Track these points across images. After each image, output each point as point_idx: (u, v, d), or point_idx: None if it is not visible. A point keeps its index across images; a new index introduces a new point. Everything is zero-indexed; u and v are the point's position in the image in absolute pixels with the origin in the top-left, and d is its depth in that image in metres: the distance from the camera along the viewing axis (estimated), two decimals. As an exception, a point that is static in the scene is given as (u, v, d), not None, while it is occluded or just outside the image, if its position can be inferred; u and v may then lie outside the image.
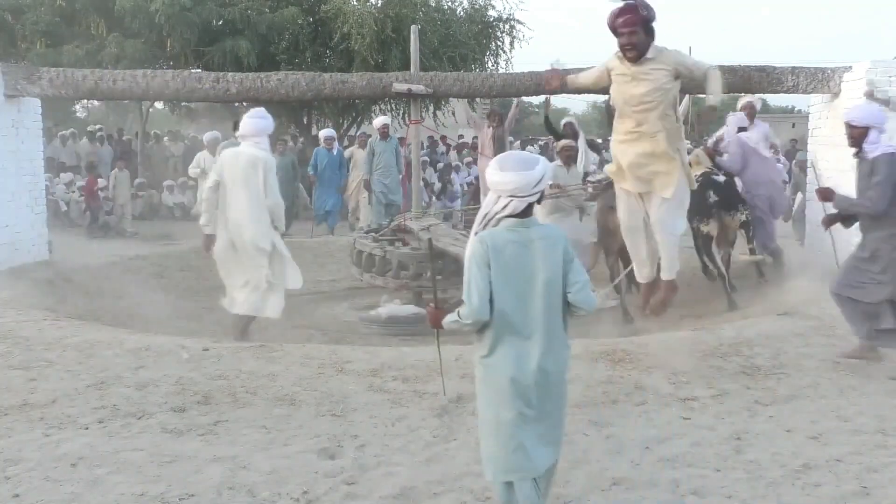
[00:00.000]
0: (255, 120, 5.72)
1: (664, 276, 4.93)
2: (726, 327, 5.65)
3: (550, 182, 2.63)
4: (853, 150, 4.65)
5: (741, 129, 7.78)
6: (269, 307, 5.84)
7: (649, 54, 4.35)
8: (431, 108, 14.89)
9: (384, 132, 10.91)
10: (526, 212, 2.53)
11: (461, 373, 4.57)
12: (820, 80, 7.54)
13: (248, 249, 5.70)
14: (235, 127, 7.40)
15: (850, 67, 7.40)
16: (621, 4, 4.30)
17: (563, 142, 7.99)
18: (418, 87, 7.39)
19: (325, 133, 12.20)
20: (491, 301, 2.47)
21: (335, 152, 11.81)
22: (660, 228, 4.81)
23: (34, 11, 14.12)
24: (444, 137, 16.43)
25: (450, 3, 15.35)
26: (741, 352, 5.05)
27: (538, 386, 2.48)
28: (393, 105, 15.32)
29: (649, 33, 4.31)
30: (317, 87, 7.67)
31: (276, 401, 4.14)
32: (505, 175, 2.49)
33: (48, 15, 14.06)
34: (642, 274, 5.11)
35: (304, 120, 15.92)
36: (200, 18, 13.46)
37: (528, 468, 2.50)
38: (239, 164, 5.69)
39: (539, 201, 2.58)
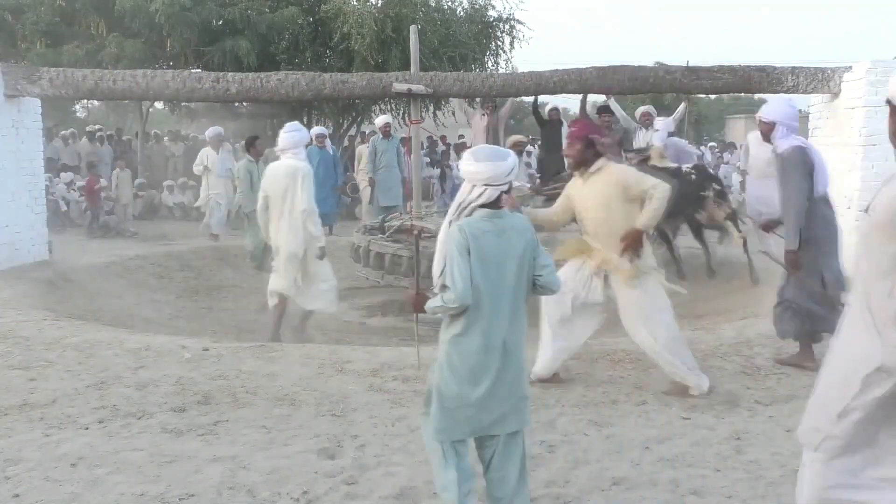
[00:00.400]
0: (291, 134, 6.15)
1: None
2: (726, 327, 5.66)
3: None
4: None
5: (671, 134, 8.61)
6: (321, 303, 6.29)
7: (592, 168, 4.32)
8: (431, 109, 14.89)
9: (386, 131, 10.89)
10: (497, 202, 2.70)
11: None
12: (820, 80, 7.54)
13: (283, 254, 6.07)
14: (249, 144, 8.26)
15: (850, 67, 7.40)
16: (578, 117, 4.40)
17: (514, 137, 8.10)
18: (418, 87, 7.39)
19: (316, 131, 11.80)
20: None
21: (329, 150, 11.46)
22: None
23: (34, 11, 14.11)
24: (443, 137, 16.42)
25: (450, 3, 15.34)
26: (741, 352, 5.06)
27: (501, 360, 2.68)
28: (393, 105, 15.31)
29: (590, 148, 4.29)
30: (317, 87, 7.67)
31: (276, 401, 4.14)
32: (480, 165, 2.67)
33: (48, 15, 14.05)
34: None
35: (304, 120, 15.92)
36: (200, 18, 13.44)
37: (465, 430, 2.73)
38: (279, 176, 6.07)
39: (508, 191, 2.75)
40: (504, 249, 2.66)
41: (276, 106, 13.86)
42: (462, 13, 15.36)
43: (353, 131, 16.60)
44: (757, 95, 8.50)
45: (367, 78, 7.86)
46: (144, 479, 3.19)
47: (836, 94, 7.57)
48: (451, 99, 12.35)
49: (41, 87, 7.69)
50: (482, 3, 15.56)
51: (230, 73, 8.06)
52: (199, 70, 13.20)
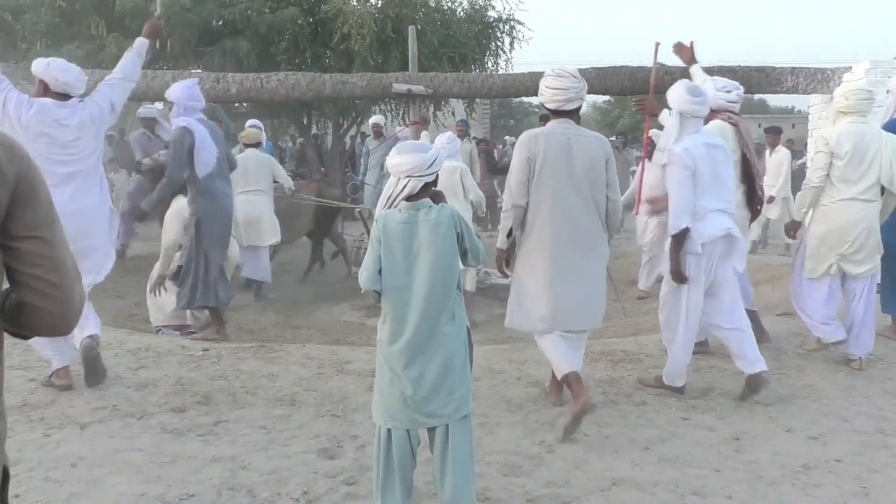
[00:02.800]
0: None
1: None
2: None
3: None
4: None
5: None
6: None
7: None
8: (431, 109, 14.89)
9: (378, 131, 10.71)
10: (421, 194, 2.81)
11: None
12: (820, 80, 7.55)
13: None
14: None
15: (850, 67, 7.40)
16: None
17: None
18: (418, 88, 7.39)
19: (250, 124, 10.99)
20: (382, 275, 2.79)
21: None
22: None
23: (34, 12, 14.11)
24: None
25: (450, 4, 15.33)
26: (741, 352, 5.05)
27: (421, 347, 2.77)
28: (393, 105, 15.31)
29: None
30: (317, 88, 7.67)
31: (276, 401, 4.14)
32: (403, 157, 2.79)
33: (48, 15, 14.05)
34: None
35: (305, 120, 15.92)
36: (200, 18, 13.44)
37: (401, 420, 2.79)
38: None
39: (434, 183, 2.87)
40: (416, 240, 2.77)
41: (276, 106, 13.86)
42: (462, 14, 15.35)
43: (353, 132, 16.61)
44: (756, 96, 8.49)
45: (367, 78, 7.86)
46: (144, 479, 3.19)
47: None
48: (450, 99, 12.35)
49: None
50: (482, 4, 15.55)
51: (230, 74, 8.07)
52: (199, 70, 13.20)
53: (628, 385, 4.42)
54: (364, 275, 2.79)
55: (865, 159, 4.80)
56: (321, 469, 3.32)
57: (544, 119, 8.78)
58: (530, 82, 7.65)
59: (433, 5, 14.81)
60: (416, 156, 2.78)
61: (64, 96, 4.34)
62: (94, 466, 3.30)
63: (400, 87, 7.46)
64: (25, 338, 1.51)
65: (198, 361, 4.79)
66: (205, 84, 7.63)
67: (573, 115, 3.98)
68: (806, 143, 9.14)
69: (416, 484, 3.15)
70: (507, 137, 20.31)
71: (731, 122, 4.71)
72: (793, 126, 26.50)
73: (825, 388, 4.43)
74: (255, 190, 7.55)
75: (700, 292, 4.23)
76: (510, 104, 30.00)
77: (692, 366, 4.66)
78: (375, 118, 11.23)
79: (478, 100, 13.40)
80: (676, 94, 4.24)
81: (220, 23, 14.30)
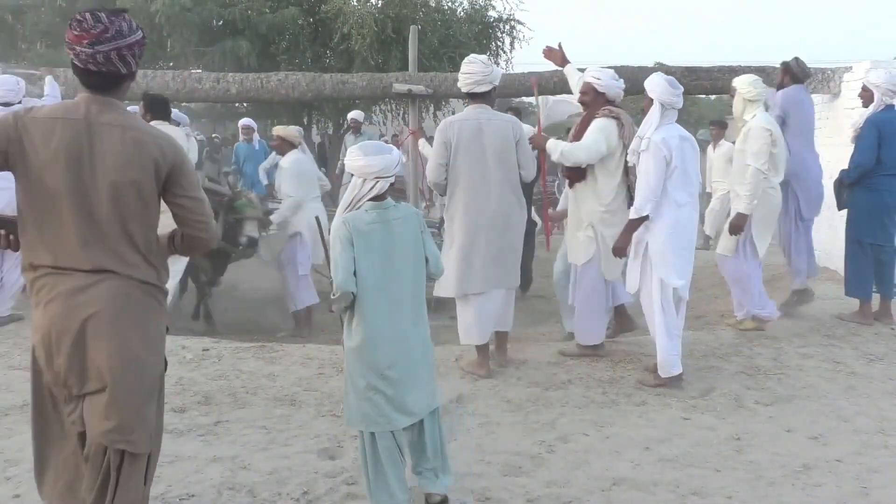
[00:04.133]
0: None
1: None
2: (727, 327, 5.66)
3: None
4: None
5: None
6: None
7: None
8: (432, 109, 14.89)
9: (356, 126, 10.40)
10: (386, 194, 2.86)
11: (461, 373, 4.58)
12: (820, 80, 7.54)
13: None
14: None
15: (850, 67, 7.40)
16: None
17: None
18: (418, 88, 7.38)
19: (243, 122, 10.60)
20: (359, 276, 2.79)
21: (256, 145, 10.21)
22: None
23: (34, 12, 14.14)
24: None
25: (450, 4, 15.33)
26: (741, 352, 5.06)
27: (400, 345, 2.82)
28: (393, 105, 15.31)
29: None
30: (317, 88, 7.66)
31: (276, 401, 4.14)
32: (371, 159, 2.82)
33: (48, 15, 14.09)
34: None
35: (305, 120, 15.92)
36: (200, 18, 13.46)
37: (385, 422, 2.81)
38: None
39: (393, 184, 2.90)
40: (392, 239, 2.82)
41: (276, 106, 13.86)
42: (462, 14, 15.35)
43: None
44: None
45: (367, 78, 7.86)
46: (144, 479, 3.19)
47: (836, 94, 7.57)
48: (451, 99, 12.34)
49: (42, 87, 7.69)
50: (482, 4, 15.55)
51: (230, 74, 8.06)
52: (199, 70, 13.21)
53: (628, 385, 4.42)
54: (340, 277, 2.75)
55: (782, 145, 5.32)
56: (321, 469, 3.32)
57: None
58: (530, 82, 7.64)
59: (433, 5, 14.82)
60: (385, 157, 2.82)
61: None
62: (95, 466, 3.30)
63: (400, 87, 7.45)
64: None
65: (198, 361, 4.79)
66: (205, 84, 7.62)
67: (486, 98, 4.54)
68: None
69: (416, 483, 3.16)
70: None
71: (612, 116, 4.79)
72: (793, 126, 26.43)
73: (825, 388, 4.43)
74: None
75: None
76: (510, 104, 30.00)
77: (692, 366, 4.66)
78: (354, 113, 10.73)
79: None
80: (657, 85, 4.38)
81: (221, 23, 14.31)
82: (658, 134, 4.30)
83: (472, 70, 4.50)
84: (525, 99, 11.82)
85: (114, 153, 2.24)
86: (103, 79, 2.29)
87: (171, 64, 14.21)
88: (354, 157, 2.84)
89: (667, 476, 3.29)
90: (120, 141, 2.25)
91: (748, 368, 4.74)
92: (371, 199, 2.84)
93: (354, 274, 2.76)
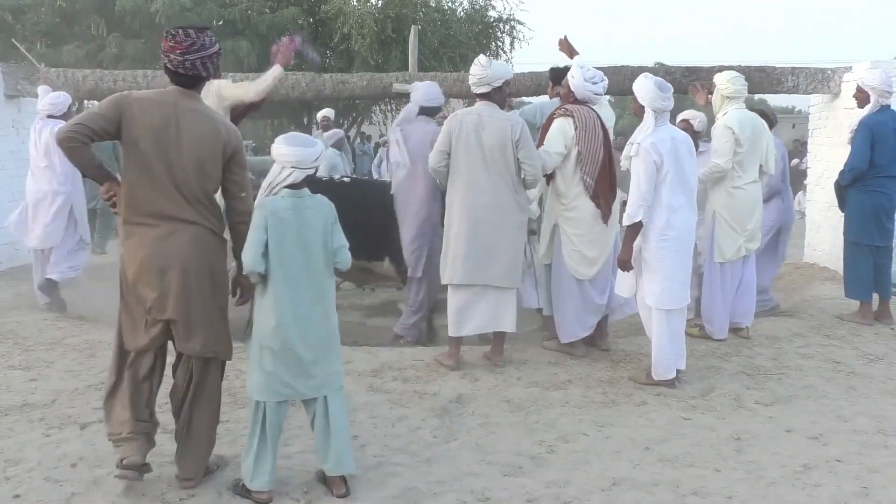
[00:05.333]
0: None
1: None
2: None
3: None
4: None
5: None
6: None
7: None
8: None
9: (326, 124, 10.16)
10: (302, 184, 3.00)
11: (462, 373, 4.57)
12: (820, 80, 7.55)
13: None
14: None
15: (850, 67, 7.40)
16: None
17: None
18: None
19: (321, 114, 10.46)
20: (268, 258, 2.95)
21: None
22: None
23: (35, 12, 14.15)
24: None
25: (450, 4, 15.36)
26: (741, 352, 5.06)
27: (300, 326, 2.98)
28: (393, 105, 15.32)
29: None
30: (317, 87, 7.67)
31: (277, 401, 4.13)
32: (290, 149, 2.97)
33: (48, 15, 14.09)
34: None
35: (305, 120, 15.93)
36: (201, 19, 13.47)
37: (275, 394, 3.03)
38: None
39: (314, 175, 3.05)
40: (303, 227, 2.96)
41: (276, 106, 13.86)
42: (462, 14, 15.38)
43: (352, 132, 16.61)
44: (757, 95, 8.48)
45: (367, 78, 7.86)
46: (144, 478, 3.19)
47: (836, 95, 7.58)
48: (451, 99, 12.32)
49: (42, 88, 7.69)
50: (482, 4, 15.58)
51: (230, 74, 8.05)
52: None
53: (628, 385, 4.42)
54: (249, 256, 2.92)
55: (756, 144, 5.27)
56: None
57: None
58: (530, 82, 7.65)
59: (433, 5, 14.83)
60: (302, 150, 2.97)
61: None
62: (95, 466, 3.30)
63: (400, 87, 7.45)
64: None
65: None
66: (205, 84, 7.61)
67: (492, 97, 4.67)
68: (806, 143, 9.12)
69: (416, 484, 3.16)
70: None
71: (567, 115, 4.82)
72: (793, 126, 26.45)
73: (825, 388, 4.43)
74: None
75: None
76: (510, 104, 30.02)
77: (692, 366, 4.66)
78: (325, 111, 10.40)
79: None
80: (647, 91, 4.33)
81: (221, 23, 14.33)
82: (648, 138, 4.28)
83: (472, 72, 4.73)
84: (525, 99, 11.81)
85: (194, 131, 2.96)
86: (188, 79, 3.01)
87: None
88: (278, 144, 3.01)
89: (667, 476, 3.29)
90: (199, 123, 2.98)
91: (748, 368, 4.74)
92: (288, 188, 2.97)
93: (265, 256, 2.92)
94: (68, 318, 6.08)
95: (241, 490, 3.07)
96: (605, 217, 4.78)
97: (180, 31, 2.96)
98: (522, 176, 4.59)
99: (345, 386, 4.32)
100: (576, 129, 4.73)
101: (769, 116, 6.03)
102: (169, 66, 2.98)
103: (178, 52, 2.95)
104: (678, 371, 4.44)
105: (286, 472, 3.28)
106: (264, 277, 2.97)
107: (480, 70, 4.65)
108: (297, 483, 3.18)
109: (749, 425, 3.88)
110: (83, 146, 2.84)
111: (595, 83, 4.86)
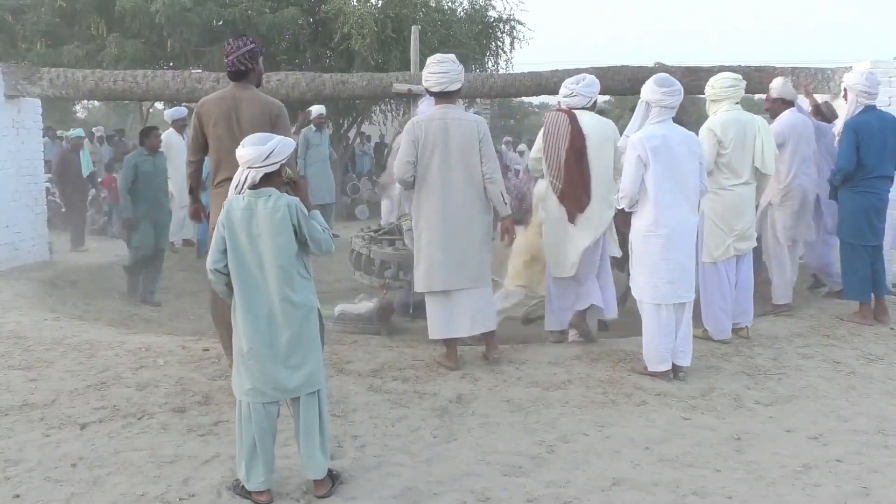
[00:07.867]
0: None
1: None
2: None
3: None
4: None
5: None
6: None
7: None
8: (432, 109, 14.87)
9: (319, 122, 10.20)
10: (263, 183, 2.97)
11: (461, 373, 4.58)
12: (820, 80, 7.54)
13: None
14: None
15: (850, 67, 7.40)
16: None
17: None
18: (418, 88, 7.38)
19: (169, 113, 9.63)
20: (228, 257, 2.99)
21: (184, 138, 9.17)
22: None
23: (34, 12, 14.14)
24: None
25: (450, 4, 15.33)
26: (741, 352, 5.06)
27: (265, 325, 2.97)
28: (393, 105, 15.31)
29: None
30: (317, 88, 7.68)
31: (277, 401, 4.13)
32: (243, 150, 2.98)
33: (48, 15, 14.07)
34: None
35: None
36: (201, 19, 13.45)
37: (255, 394, 3.00)
38: None
39: (278, 173, 3.01)
40: (255, 226, 2.95)
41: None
42: (462, 14, 15.36)
43: (352, 132, 16.60)
44: (757, 95, 8.47)
45: (367, 78, 7.86)
46: (144, 479, 3.19)
47: (836, 94, 7.57)
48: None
49: (41, 87, 7.70)
50: (482, 4, 15.56)
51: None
52: (200, 70, 13.20)
53: (628, 385, 4.42)
54: (210, 256, 3.00)
55: (745, 145, 5.20)
56: (321, 469, 3.31)
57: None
58: (530, 82, 7.64)
59: (433, 5, 14.81)
60: (254, 148, 2.95)
61: None
62: (94, 466, 3.30)
63: (400, 87, 7.46)
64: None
65: (198, 361, 4.79)
66: (205, 84, 7.62)
67: (453, 97, 4.62)
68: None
69: (416, 484, 3.16)
70: (506, 138, 20.29)
71: (543, 122, 5.08)
72: (793, 126, 26.39)
73: (825, 388, 4.43)
74: None
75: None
76: (510, 104, 30.01)
77: (692, 366, 4.66)
78: (318, 108, 10.30)
79: (478, 100, 13.37)
80: (645, 84, 4.52)
81: (221, 23, 14.30)
82: (638, 133, 4.41)
83: (447, 69, 4.57)
84: (526, 99, 11.83)
85: (250, 112, 4.12)
86: (238, 74, 4.21)
87: (171, 64, 14.20)
88: (239, 147, 3.03)
89: (667, 476, 3.29)
90: (251, 105, 4.14)
91: (748, 368, 4.74)
92: (252, 188, 2.96)
93: (225, 254, 2.97)
94: (68, 318, 6.09)
95: (240, 490, 3.06)
96: (572, 218, 4.93)
97: (230, 39, 4.19)
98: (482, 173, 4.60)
99: (345, 386, 4.35)
100: (544, 134, 4.97)
101: (823, 113, 6.03)
102: (229, 66, 4.17)
103: (227, 57, 4.16)
104: (681, 368, 4.47)
105: (286, 472, 3.28)
106: (227, 277, 3.00)
107: (454, 67, 4.59)
108: (297, 483, 3.18)
109: (749, 425, 3.88)
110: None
111: (572, 95, 5.00)
